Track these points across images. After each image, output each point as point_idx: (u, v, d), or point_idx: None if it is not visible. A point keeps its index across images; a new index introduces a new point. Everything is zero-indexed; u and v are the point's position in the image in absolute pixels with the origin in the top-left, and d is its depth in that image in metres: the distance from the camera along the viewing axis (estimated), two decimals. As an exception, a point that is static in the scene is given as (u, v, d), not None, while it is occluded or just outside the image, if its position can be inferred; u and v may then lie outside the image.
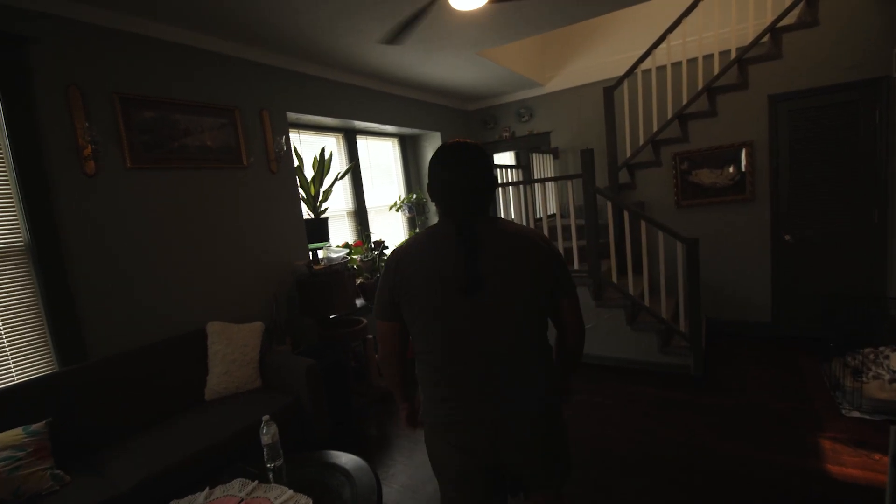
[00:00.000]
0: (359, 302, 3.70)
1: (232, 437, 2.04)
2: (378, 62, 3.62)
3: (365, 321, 3.19)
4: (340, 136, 4.34)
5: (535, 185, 3.93)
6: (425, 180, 5.36)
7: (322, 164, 3.54)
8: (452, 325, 1.11)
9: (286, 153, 3.25)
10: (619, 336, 3.32)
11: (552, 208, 4.65)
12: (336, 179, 3.65)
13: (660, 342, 3.18)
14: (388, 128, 4.60)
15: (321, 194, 3.60)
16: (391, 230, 4.90)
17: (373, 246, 4.37)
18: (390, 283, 1.16)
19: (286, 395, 2.41)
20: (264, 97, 3.14)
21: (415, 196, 4.77)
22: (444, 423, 1.17)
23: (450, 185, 1.14)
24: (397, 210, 4.69)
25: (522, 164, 4.33)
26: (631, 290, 3.23)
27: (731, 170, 3.61)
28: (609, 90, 3.85)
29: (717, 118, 3.62)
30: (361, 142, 4.58)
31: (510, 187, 3.77)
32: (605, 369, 3.35)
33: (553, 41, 4.93)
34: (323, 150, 3.44)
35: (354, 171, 4.41)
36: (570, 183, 3.38)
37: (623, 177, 4.05)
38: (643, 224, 3.16)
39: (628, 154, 3.95)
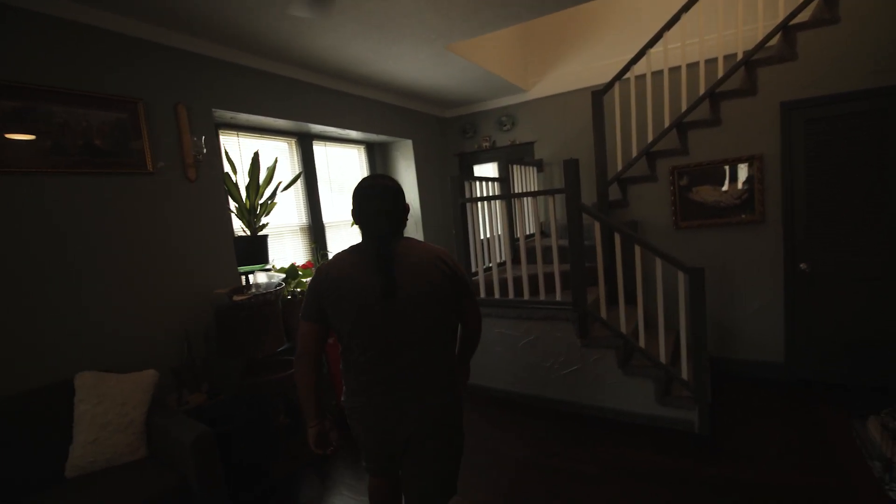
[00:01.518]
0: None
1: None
2: (328, 54, 3.11)
3: (300, 363, 2.61)
4: (293, 141, 3.81)
5: (514, 200, 3.42)
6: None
7: (255, 172, 2.99)
8: (371, 325, 1.33)
9: (210, 158, 2.70)
10: (609, 382, 2.78)
11: (532, 227, 4.15)
12: (276, 190, 3.10)
13: (658, 391, 2.65)
14: (353, 133, 4.08)
15: (259, 207, 3.04)
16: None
17: (328, 267, 3.81)
18: (319, 290, 1.36)
19: (172, 471, 1.83)
20: (181, 89, 2.59)
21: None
22: (361, 408, 1.38)
23: (371, 211, 1.38)
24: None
25: (501, 176, 3.83)
26: (623, 325, 2.71)
27: (737, 187, 3.13)
28: (598, 94, 3.38)
29: (720, 128, 3.15)
30: (319, 148, 4.05)
31: (482, 203, 3.24)
32: (591, 423, 2.79)
33: (537, 43, 4.47)
34: (256, 154, 2.90)
35: (309, 181, 3.86)
36: (552, 199, 2.88)
37: (614, 193, 3.55)
38: (638, 248, 2.65)
39: (620, 167, 3.46)
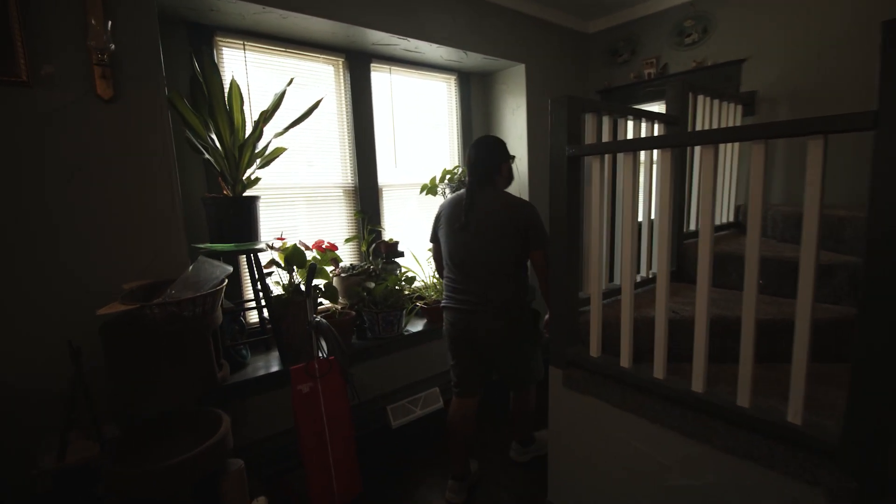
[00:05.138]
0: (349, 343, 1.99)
1: None
2: None
3: (222, 431, 1.47)
4: (340, 62, 2.62)
5: (692, 153, 1.69)
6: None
7: (230, 97, 1.86)
8: (455, 248, 1.85)
9: (142, 65, 1.64)
10: None
11: (727, 213, 2.28)
12: (260, 127, 1.94)
13: None
14: (434, 52, 2.71)
15: (240, 153, 1.94)
16: (428, 223, 3.06)
17: (372, 249, 2.62)
18: (435, 218, 1.97)
19: None
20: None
21: (460, 170, 2.81)
22: (446, 307, 1.91)
23: (468, 163, 1.90)
24: (426, 193, 2.82)
25: (671, 115, 2.05)
26: None
27: None
28: None
29: None
30: (381, 75, 2.79)
31: (618, 159, 1.57)
32: None
33: None
34: (204, 62, 1.75)
35: (361, 122, 2.66)
36: (783, 147, 1.11)
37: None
38: None
39: None
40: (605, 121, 1.62)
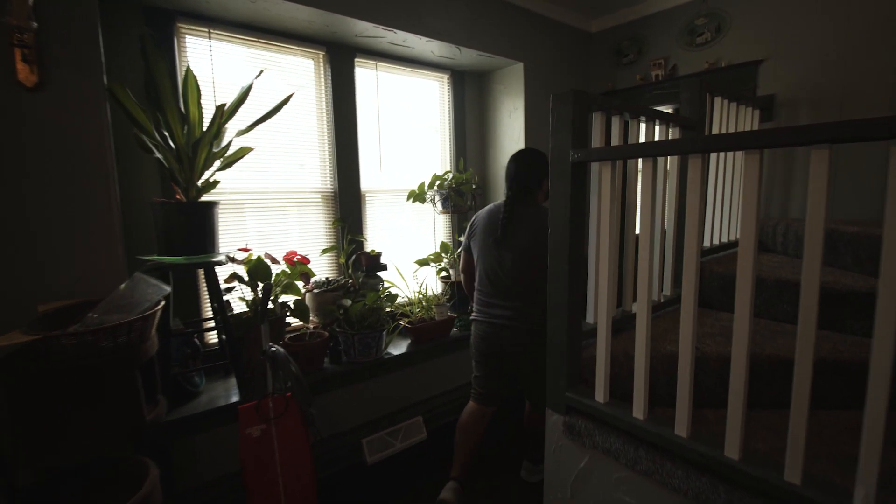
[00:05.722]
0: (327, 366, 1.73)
1: None
2: None
3: (144, 490, 1.21)
4: (320, 56, 2.39)
5: (723, 160, 1.47)
6: (491, 149, 3.08)
7: (185, 88, 1.62)
8: (490, 262, 1.83)
9: (77, 50, 1.40)
10: None
11: (736, 228, 2.04)
12: (219, 124, 1.69)
13: None
14: (424, 47, 2.49)
15: (196, 154, 1.69)
16: (415, 233, 2.82)
17: (351, 261, 2.37)
18: (469, 228, 1.96)
19: None
20: None
21: (451, 176, 2.57)
22: (476, 320, 1.89)
23: (508, 176, 1.88)
24: (414, 200, 2.57)
25: (684, 115, 1.83)
26: None
27: None
28: None
29: None
30: (367, 71, 2.56)
31: (633, 166, 1.34)
32: None
33: None
34: (146, 44, 1.51)
35: (342, 122, 2.42)
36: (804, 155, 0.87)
37: None
38: None
39: None
40: (615, 122, 1.39)
